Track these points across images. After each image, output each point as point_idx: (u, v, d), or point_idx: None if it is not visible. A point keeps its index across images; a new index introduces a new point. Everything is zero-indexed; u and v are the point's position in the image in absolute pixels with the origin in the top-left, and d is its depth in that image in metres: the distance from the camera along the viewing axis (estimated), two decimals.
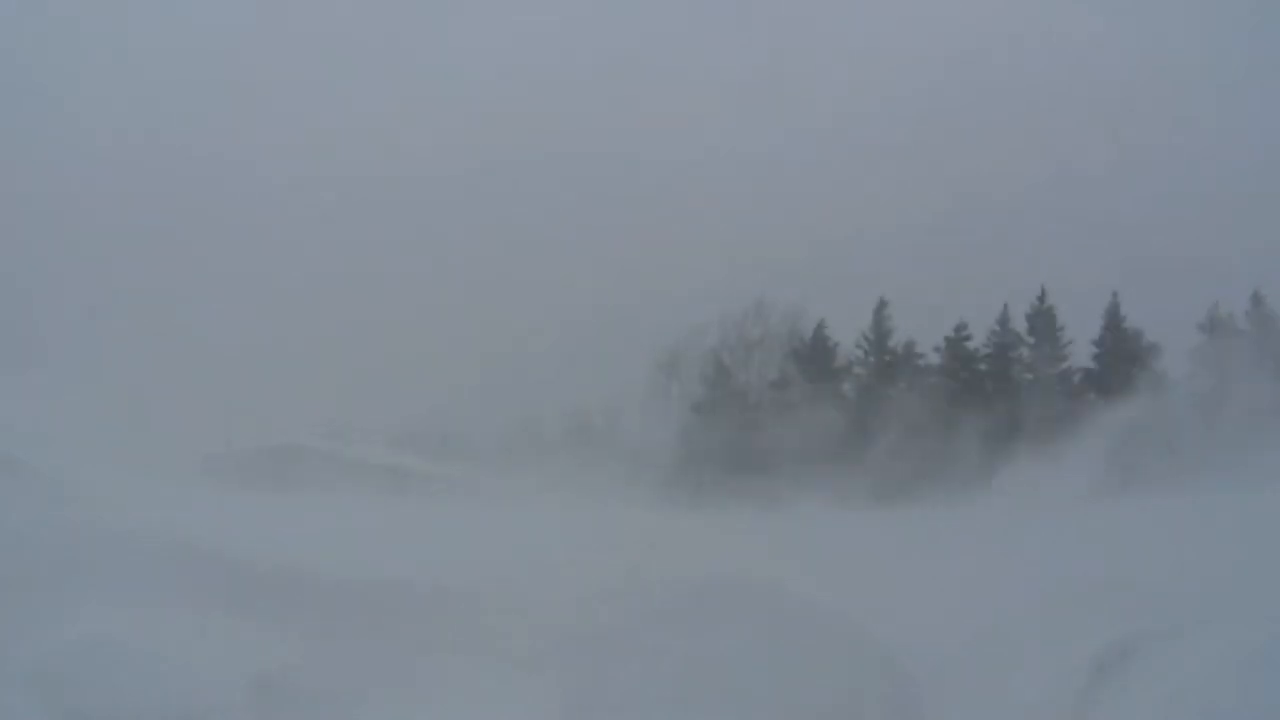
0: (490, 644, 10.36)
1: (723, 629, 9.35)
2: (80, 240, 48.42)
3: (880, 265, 45.99)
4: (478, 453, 47.29)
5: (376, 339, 48.41)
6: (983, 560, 13.44)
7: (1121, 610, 9.62)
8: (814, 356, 38.51)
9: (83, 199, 50.16)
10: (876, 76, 64.10)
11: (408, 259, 52.45)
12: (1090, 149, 52.36)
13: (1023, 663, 9.36)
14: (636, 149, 55.26)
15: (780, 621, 9.67)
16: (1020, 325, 36.98)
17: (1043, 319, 36.60)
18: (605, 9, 66.78)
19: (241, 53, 59.24)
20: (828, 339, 38.88)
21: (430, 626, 10.80)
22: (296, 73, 61.14)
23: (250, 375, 41.28)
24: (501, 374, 48.71)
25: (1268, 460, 21.22)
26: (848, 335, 38.86)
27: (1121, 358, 35.30)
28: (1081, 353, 36.43)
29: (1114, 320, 35.84)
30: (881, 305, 38.27)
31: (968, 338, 37.08)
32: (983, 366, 36.76)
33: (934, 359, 37.42)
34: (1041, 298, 36.80)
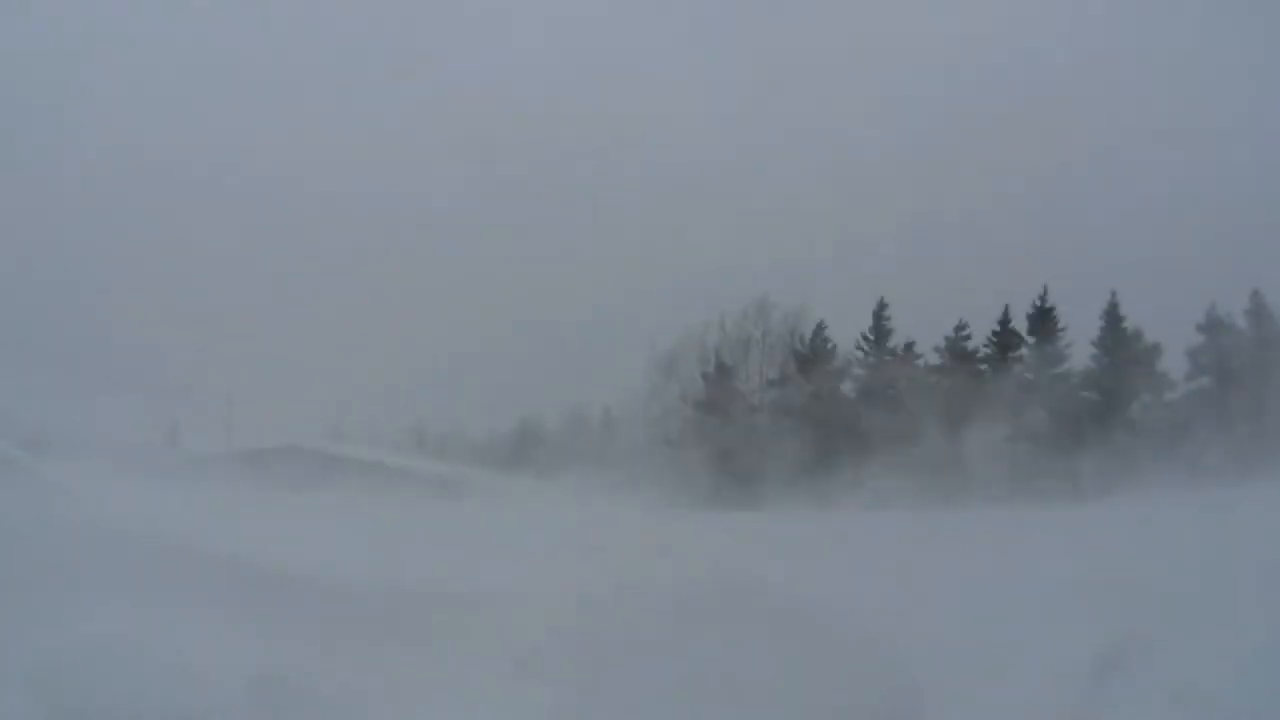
0: (490, 644, 10.36)
1: (723, 629, 9.33)
2: (82, 240, 48.43)
3: (880, 265, 46.10)
4: (477, 453, 47.31)
5: (377, 339, 48.44)
6: (983, 560, 13.45)
7: (1121, 610, 9.62)
8: (814, 356, 38.51)
9: (83, 199, 50.17)
10: (877, 76, 64.17)
11: (408, 259, 52.47)
12: (1090, 149, 52.40)
13: (1023, 663, 9.35)
14: (637, 149, 55.29)
15: (780, 622, 9.65)
16: (1020, 325, 37.01)
17: (1043, 319, 36.62)
18: (606, 9, 66.79)
19: (243, 55, 59.25)
20: (828, 339, 38.90)
21: (430, 627, 10.81)
22: (299, 76, 61.16)
23: (250, 375, 41.31)
24: (501, 374, 48.76)
25: (1268, 460, 21.26)
26: (848, 335, 38.92)
27: (1121, 358, 35.31)
28: (1081, 353, 36.46)
29: (1114, 320, 35.85)
30: (881, 305, 38.34)
31: (967, 337, 37.11)
32: (983, 366, 36.76)
33: (934, 359, 37.45)
34: (1042, 298, 36.86)
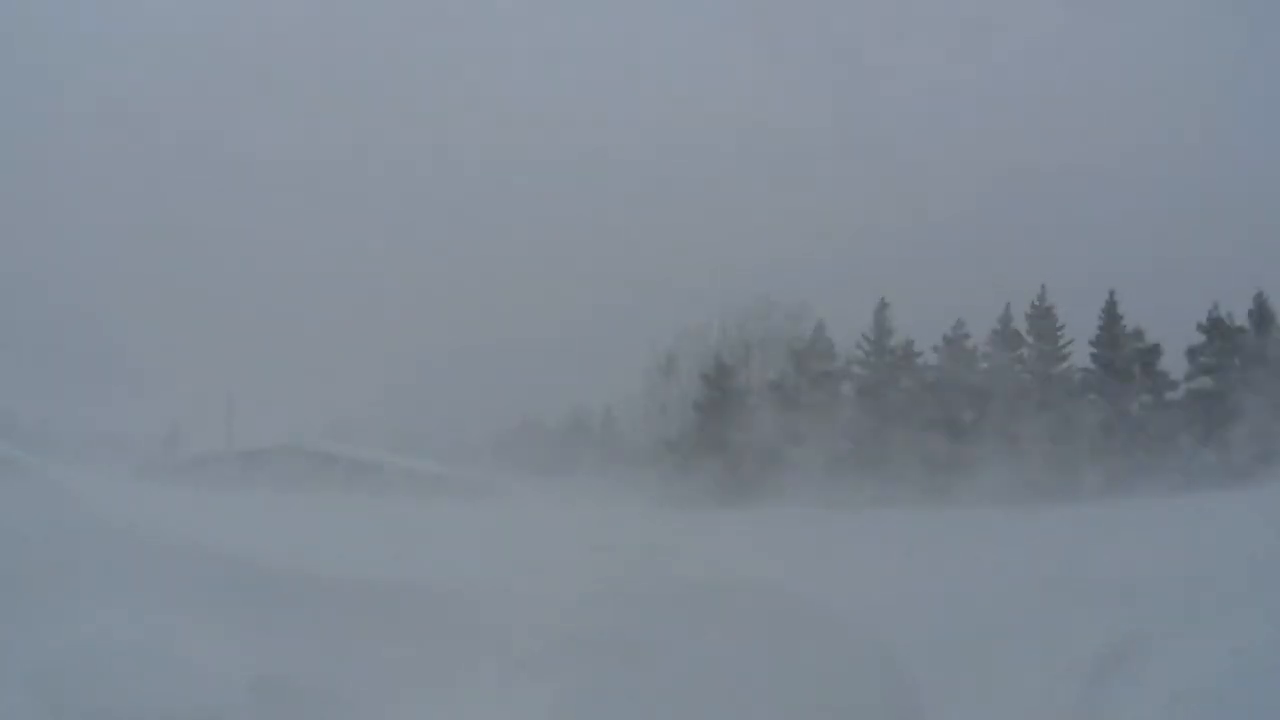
0: (490, 644, 10.36)
1: (722, 629, 9.34)
2: (83, 240, 48.43)
3: (880, 265, 46.11)
4: (477, 453, 47.32)
5: (377, 339, 48.45)
6: (982, 560, 13.44)
7: (1121, 610, 9.62)
8: (814, 356, 38.49)
9: (84, 199, 50.17)
10: (876, 76, 64.17)
11: (408, 259, 52.47)
12: (1090, 148, 52.42)
13: (1023, 663, 9.35)
14: (637, 148, 55.29)
15: (780, 622, 9.66)
16: (1020, 325, 36.98)
17: (1042, 318, 36.60)
18: (607, 9, 66.77)
19: (246, 54, 59.24)
20: (828, 339, 38.87)
21: (430, 626, 10.80)
22: (300, 75, 61.15)
23: (250, 375, 41.31)
24: (501, 374, 48.78)
25: (1268, 460, 21.26)
26: (848, 335, 38.88)
27: (1121, 357, 35.28)
28: (1081, 352, 36.45)
29: (1111, 319, 35.82)
30: (882, 305, 38.28)
31: (967, 337, 37.07)
32: (983, 366, 36.73)
33: (934, 359, 37.40)
34: (1041, 297, 36.82)
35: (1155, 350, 35.20)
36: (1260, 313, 34.35)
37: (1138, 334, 35.56)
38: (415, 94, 62.61)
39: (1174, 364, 35.00)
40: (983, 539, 16.18)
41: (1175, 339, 34.93)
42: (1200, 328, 34.68)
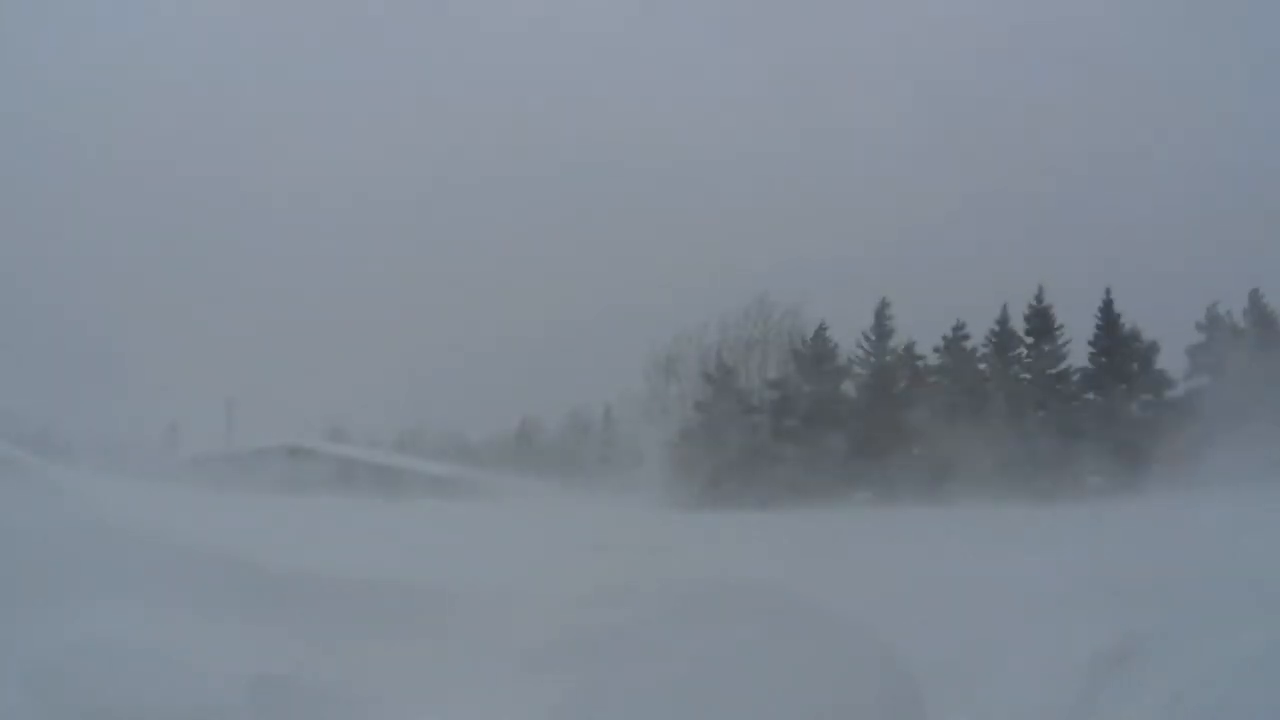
0: (491, 643, 10.35)
1: (723, 629, 9.34)
2: (84, 240, 48.42)
3: (880, 265, 46.13)
4: (478, 453, 47.36)
5: (377, 339, 48.50)
6: (983, 560, 13.46)
7: (1121, 610, 9.62)
8: (814, 356, 38.48)
9: (84, 198, 50.16)
10: (878, 77, 64.18)
11: (409, 260, 52.48)
12: (1090, 148, 52.45)
13: (1023, 663, 9.36)
14: (637, 149, 55.31)
15: (780, 622, 9.65)
16: (1018, 325, 36.96)
17: (1040, 319, 36.57)
18: (608, 9, 66.80)
19: (246, 55, 59.25)
20: (828, 339, 38.85)
21: (430, 626, 10.80)
22: (301, 77, 61.15)
23: (250, 375, 41.33)
24: (501, 374, 48.80)
25: (1267, 460, 21.27)
26: (848, 335, 38.87)
27: (1119, 357, 35.27)
28: (1080, 352, 36.43)
29: (1109, 319, 35.80)
30: (883, 305, 38.26)
31: (966, 337, 37.05)
32: (982, 366, 36.72)
33: (934, 359, 37.40)
34: (1039, 297, 36.80)
35: (1153, 349, 35.19)
36: (1258, 311, 34.36)
37: (1135, 334, 35.56)
38: (415, 96, 62.62)
39: (1173, 363, 35.04)
40: (982, 538, 16.20)
41: (1174, 338, 34.97)
42: (1199, 327, 34.70)
